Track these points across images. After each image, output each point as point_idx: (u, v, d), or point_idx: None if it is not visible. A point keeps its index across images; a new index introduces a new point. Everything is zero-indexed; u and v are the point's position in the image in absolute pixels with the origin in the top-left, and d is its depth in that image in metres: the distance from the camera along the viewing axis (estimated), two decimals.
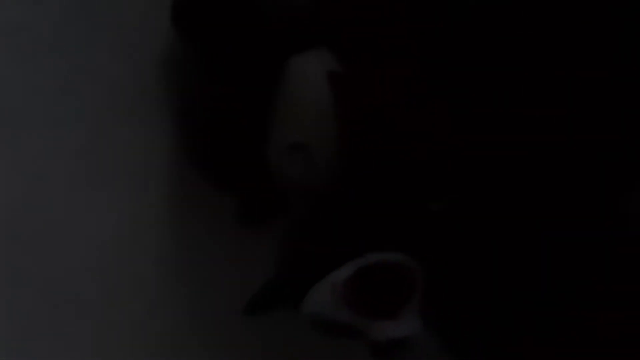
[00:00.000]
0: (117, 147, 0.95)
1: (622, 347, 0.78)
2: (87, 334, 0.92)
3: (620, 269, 0.80)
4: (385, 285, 0.80)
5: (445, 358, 0.86)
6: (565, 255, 0.81)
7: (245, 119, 0.88)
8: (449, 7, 0.83)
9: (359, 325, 0.80)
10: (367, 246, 0.80)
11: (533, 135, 0.81)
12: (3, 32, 0.93)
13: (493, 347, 0.83)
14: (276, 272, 0.87)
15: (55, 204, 0.95)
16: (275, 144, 0.87)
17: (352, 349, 0.87)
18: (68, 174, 0.95)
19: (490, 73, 0.83)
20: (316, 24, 0.89)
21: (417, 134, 0.84)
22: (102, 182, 0.95)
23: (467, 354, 0.86)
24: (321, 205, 0.85)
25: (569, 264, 0.80)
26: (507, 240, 0.82)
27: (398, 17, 0.85)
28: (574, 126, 0.82)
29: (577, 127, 0.82)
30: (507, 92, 0.83)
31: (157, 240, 0.95)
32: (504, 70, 0.83)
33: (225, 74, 0.88)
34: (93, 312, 0.92)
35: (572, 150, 0.81)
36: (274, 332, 0.90)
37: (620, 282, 0.80)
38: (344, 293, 0.79)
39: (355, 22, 0.88)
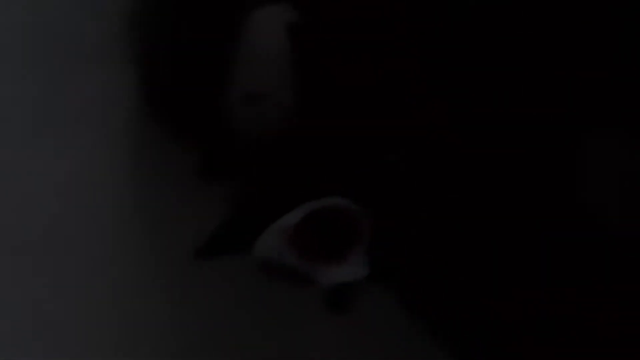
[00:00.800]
0: (77, 95, 0.96)
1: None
2: (43, 279, 0.92)
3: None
4: (332, 230, 0.81)
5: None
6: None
7: (207, 69, 0.89)
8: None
9: (307, 270, 0.82)
10: (317, 192, 0.81)
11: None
12: None
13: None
14: (228, 217, 0.88)
15: (13, 148, 0.95)
16: (233, 94, 0.89)
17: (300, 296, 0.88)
18: (27, 120, 0.96)
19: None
20: None
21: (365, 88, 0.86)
22: (61, 129, 0.96)
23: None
24: (273, 152, 0.86)
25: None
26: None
27: None
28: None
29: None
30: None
31: (115, 187, 0.96)
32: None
33: (189, 23, 0.89)
34: (49, 257, 0.92)
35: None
36: (226, 276, 0.91)
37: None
38: (293, 237, 0.80)
39: None
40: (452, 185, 0.85)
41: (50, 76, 0.94)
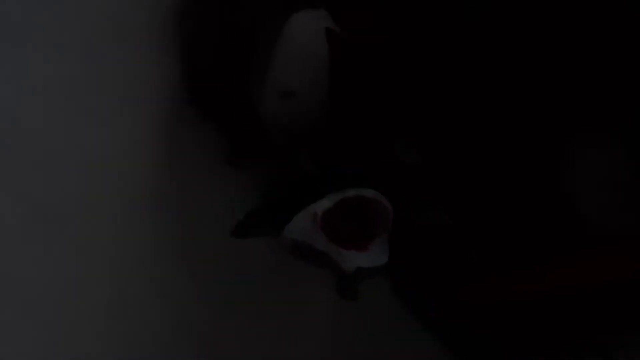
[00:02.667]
0: (119, 76, 1.01)
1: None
2: (75, 250, 0.97)
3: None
4: (359, 218, 0.89)
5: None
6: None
7: (245, 63, 0.96)
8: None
9: (332, 254, 0.89)
10: (346, 182, 0.90)
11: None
12: None
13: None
14: (263, 201, 0.95)
15: (49, 123, 0.98)
16: (269, 89, 0.96)
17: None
18: (64, 96, 0.99)
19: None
20: None
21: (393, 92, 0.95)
22: (97, 107, 1.00)
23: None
24: (307, 145, 0.94)
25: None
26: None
27: None
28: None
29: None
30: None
31: (150, 166, 1.01)
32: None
33: (233, 20, 0.97)
34: (82, 229, 0.97)
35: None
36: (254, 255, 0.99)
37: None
38: (323, 222, 0.88)
39: None
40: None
41: (96, 57, 0.98)
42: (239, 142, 1.02)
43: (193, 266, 0.99)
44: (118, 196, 1.00)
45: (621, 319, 0.92)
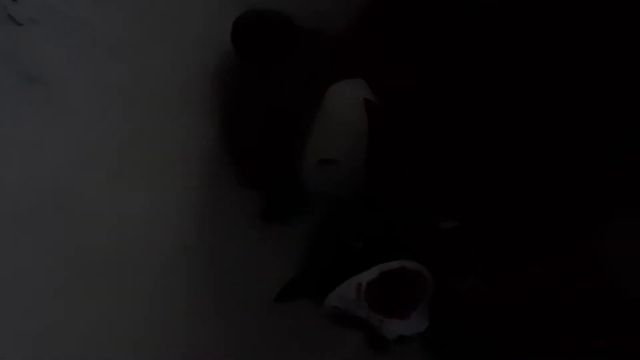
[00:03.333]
0: (157, 141, 1.04)
1: None
2: (118, 303, 1.00)
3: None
4: (402, 288, 0.92)
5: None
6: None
7: (287, 131, 0.99)
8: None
9: (374, 322, 0.92)
10: (389, 253, 0.92)
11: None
12: (78, 29, 1.00)
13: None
14: (305, 269, 0.98)
15: (94, 185, 1.02)
16: (309, 157, 0.99)
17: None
18: (109, 160, 1.03)
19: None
20: (351, 59, 1.01)
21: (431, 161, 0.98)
22: (139, 169, 1.03)
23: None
24: (349, 214, 0.97)
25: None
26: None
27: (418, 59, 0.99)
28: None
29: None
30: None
31: (186, 227, 1.05)
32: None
33: (274, 90, 1.00)
34: (122, 284, 1.01)
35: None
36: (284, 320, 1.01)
37: None
38: (367, 292, 0.90)
39: (383, 63, 1.01)
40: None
41: (138, 121, 1.01)
42: (274, 201, 1.04)
43: (227, 321, 1.01)
44: (157, 253, 1.03)
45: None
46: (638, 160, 0.95)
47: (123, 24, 1.00)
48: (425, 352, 1.02)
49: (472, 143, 0.97)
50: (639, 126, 0.94)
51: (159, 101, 1.02)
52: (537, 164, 0.97)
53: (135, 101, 1.01)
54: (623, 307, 0.91)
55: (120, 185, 1.02)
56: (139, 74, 1.01)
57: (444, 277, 0.94)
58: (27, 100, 0.96)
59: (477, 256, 0.96)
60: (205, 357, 1.02)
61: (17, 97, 0.96)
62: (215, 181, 1.06)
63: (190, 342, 1.03)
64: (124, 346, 1.00)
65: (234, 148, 1.03)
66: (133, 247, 1.02)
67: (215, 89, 1.03)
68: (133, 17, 1.00)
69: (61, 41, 0.97)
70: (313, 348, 1.06)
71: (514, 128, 0.97)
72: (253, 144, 1.00)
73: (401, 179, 0.96)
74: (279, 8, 1.01)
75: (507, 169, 0.97)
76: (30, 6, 0.98)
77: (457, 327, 0.96)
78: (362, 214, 0.94)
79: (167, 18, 1.01)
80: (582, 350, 0.93)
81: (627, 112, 0.94)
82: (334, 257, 0.94)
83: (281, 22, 0.99)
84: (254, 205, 1.06)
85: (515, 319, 0.96)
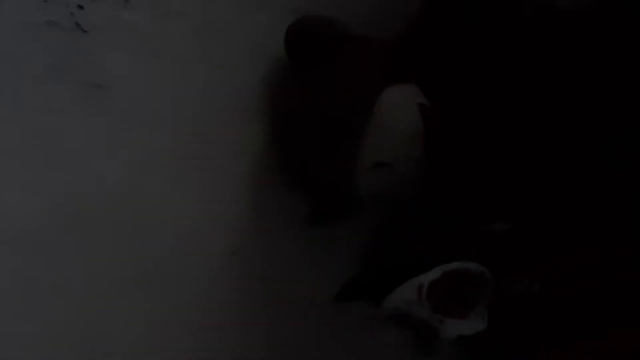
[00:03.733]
0: (210, 149, 1.05)
1: None
2: (165, 309, 1.00)
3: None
4: (462, 289, 0.94)
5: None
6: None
7: (339, 137, 1.00)
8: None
9: (433, 322, 0.94)
10: (445, 255, 0.94)
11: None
12: (139, 38, 1.01)
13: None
14: (366, 269, 0.99)
15: (149, 191, 1.03)
16: (364, 162, 1.01)
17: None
18: (165, 167, 1.03)
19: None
20: (404, 63, 1.03)
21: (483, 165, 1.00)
22: (192, 177, 1.04)
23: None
24: (412, 217, 0.99)
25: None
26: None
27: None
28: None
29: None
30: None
31: (235, 233, 1.05)
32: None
33: (325, 95, 1.01)
34: (172, 290, 1.01)
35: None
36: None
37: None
38: (429, 292, 0.92)
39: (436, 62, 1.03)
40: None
41: (194, 129, 1.02)
42: (323, 204, 1.06)
43: (274, 325, 1.02)
44: (208, 259, 1.04)
45: None
46: None
47: (187, 36, 1.01)
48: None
49: (522, 146, 0.99)
50: None
51: (215, 109, 1.03)
52: (583, 164, 0.99)
53: (194, 110, 1.02)
54: None
55: (177, 193, 1.03)
56: (199, 83, 1.02)
57: (497, 280, 0.96)
58: (92, 107, 0.97)
59: (530, 259, 0.98)
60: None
61: (82, 104, 0.97)
62: (263, 187, 1.07)
63: (239, 346, 1.03)
64: (176, 351, 1.00)
65: (287, 154, 1.04)
66: (186, 255, 1.02)
67: (269, 96, 1.04)
68: (196, 29, 1.02)
69: (126, 50, 0.98)
70: (354, 349, 1.06)
71: (563, 130, 0.99)
72: (306, 150, 1.01)
73: (458, 182, 0.98)
74: (330, 14, 1.02)
75: (556, 170, 0.99)
76: (96, 14, 0.98)
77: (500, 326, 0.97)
78: (426, 217, 0.96)
79: (229, 29, 1.02)
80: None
81: None
82: (396, 259, 0.95)
83: (331, 27, 1.01)
84: (301, 210, 1.07)
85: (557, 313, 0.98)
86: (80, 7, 0.97)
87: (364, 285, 0.97)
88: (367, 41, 1.04)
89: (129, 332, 0.98)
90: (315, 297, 1.04)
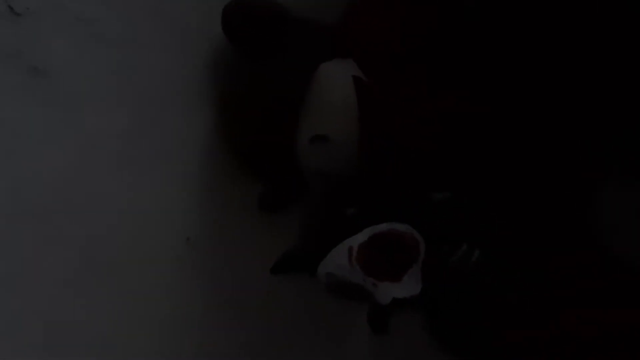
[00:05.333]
0: (158, 132, 1.08)
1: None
2: (120, 294, 1.03)
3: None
4: (392, 251, 0.93)
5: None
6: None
7: (281, 113, 1.02)
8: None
9: (368, 286, 0.93)
10: (379, 219, 0.94)
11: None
12: (79, 22, 1.06)
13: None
14: (299, 241, 1.00)
15: (98, 177, 1.07)
16: (302, 136, 1.02)
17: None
18: (114, 152, 1.07)
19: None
20: (342, 37, 1.05)
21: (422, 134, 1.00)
22: (142, 161, 1.08)
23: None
24: (340, 186, 0.99)
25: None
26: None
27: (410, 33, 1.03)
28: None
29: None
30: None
31: (188, 220, 1.08)
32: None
33: (267, 76, 1.04)
34: (120, 272, 1.04)
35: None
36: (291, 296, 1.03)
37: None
38: (359, 255, 0.92)
39: (374, 38, 1.05)
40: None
41: (139, 114, 1.05)
42: (274, 187, 1.07)
43: (230, 307, 1.03)
44: (160, 245, 1.07)
45: None
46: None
47: (121, 18, 1.05)
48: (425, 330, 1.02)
49: (462, 118, 1.00)
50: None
51: (158, 93, 1.06)
52: (530, 137, 0.99)
53: (135, 93, 1.05)
54: None
55: (123, 178, 1.06)
56: (138, 66, 1.05)
57: (437, 246, 0.95)
58: (31, 92, 1.01)
59: (469, 226, 0.97)
60: (212, 345, 1.03)
61: (21, 89, 1.01)
62: (214, 172, 1.09)
63: (196, 331, 1.04)
64: (132, 336, 1.02)
65: (232, 135, 1.06)
66: (137, 240, 1.06)
67: (211, 78, 1.07)
68: (132, 13, 1.06)
69: (62, 34, 1.03)
70: (318, 334, 1.06)
71: (503, 103, 1.00)
72: (250, 130, 1.03)
73: (394, 152, 0.98)
74: None
75: (499, 141, 0.99)
76: None
77: (451, 294, 0.96)
78: (354, 182, 0.97)
79: (164, 11, 1.06)
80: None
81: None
82: (326, 225, 0.96)
83: (271, 9, 1.04)
84: (254, 196, 1.09)
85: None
86: None
87: (298, 254, 0.97)
88: (308, 23, 1.07)
89: (85, 317, 1.01)
90: (274, 283, 1.04)
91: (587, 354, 0.93)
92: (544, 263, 0.96)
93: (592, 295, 0.94)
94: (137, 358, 1.01)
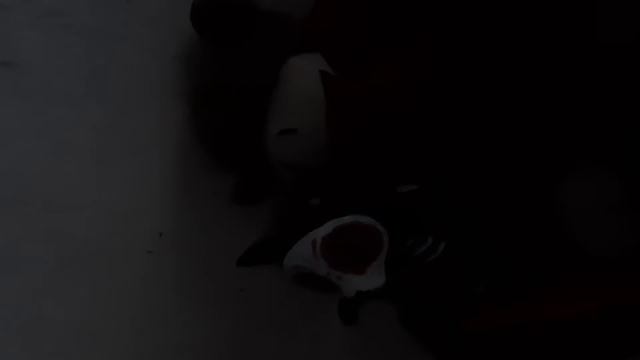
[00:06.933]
0: (130, 126, 1.09)
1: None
2: (98, 289, 1.03)
3: None
4: (357, 243, 0.94)
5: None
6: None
7: (250, 107, 1.03)
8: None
9: (333, 278, 0.94)
10: (344, 210, 0.95)
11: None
12: (49, 14, 1.06)
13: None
14: (266, 232, 1.01)
15: (71, 172, 1.07)
16: (271, 128, 1.03)
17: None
18: (86, 146, 1.08)
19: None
20: (310, 32, 1.06)
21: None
22: (115, 155, 1.08)
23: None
24: (307, 177, 1.00)
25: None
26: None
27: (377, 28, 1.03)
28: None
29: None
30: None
31: (161, 214, 1.08)
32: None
33: (235, 69, 1.04)
34: (94, 268, 1.04)
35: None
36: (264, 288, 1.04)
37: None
38: (322, 248, 0.92)
39: (341, 32, 1.06)
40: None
41: (111, 107, 1.06)
42: (246, 180, 1.08)
43: (203, 302, 1.04)
44: (135, 241, 1.07)
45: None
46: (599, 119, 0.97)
47: (92, 11, 1.06)
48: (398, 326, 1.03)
49: (430, 109, 1.00)
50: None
51: (130, 86, 1.07)
52: (497, 127, 1.00)
53: (107, 87, 1.06)
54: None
55: (96, 172, 1.07)
56: (110, 60, 1.06)
57: (402, 239, 0.96)
58: (1, 85, 1.02)
59: (435, 218, 0.98)
60: (187, 340, 1.04)
61: None
62: (187, 166, 1.09)
63: (170, 326, 1.04)
64: (106, 331, 1.02)
65: (204, 128, 1.07)
66: (111, 235, 1.05)
67: (182, 72, 1.08)
68: (102, 5, 1.06)
69: (31, 26, 1.03)
70: (294, 327, 1.07)
71: (471, 93, 1.00)
72: (220, 122, 1.04)
73: (360, 145, 0.99)
74: None
75: (464, 130, 1.00)
76: None
77: (416, 286, 0.97)
78: (320, 174, 0.97)
79: (135, 4, 1.06)
80: None
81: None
82: (292, 216, 0.97)
83: (239, 3, 1.05)
84: (227, 189, 1.09)
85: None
86: None
87: (266, 246, 0.98)
88: (276, 16, 1.07)
89: (60, 313, 1.01)
90: (248, 276, 1.05)
91: (557, 340, 0.93)
92: (512, 252, 0.96)
93: (561, 280, 0.95)
94: (112, 353, 1.00)
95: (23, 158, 1.01)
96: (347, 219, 0.93)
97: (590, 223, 0.98)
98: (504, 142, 1.00)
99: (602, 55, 0.99)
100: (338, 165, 0.99)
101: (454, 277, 0.97)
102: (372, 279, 0.93)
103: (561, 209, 0.98)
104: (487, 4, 0.99)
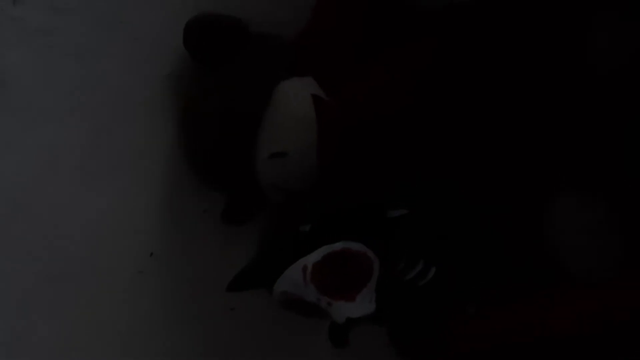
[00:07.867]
0: (118, 145, 1.08)
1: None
2: (82, 308, 1.03)
3: None
4: (347, 270, 0.94)
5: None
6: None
7: (240, 130, 1.02)
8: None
9: (323, 305, 0.94)
10: (334, 236, 0.95)
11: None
12: (37, 34, 1.06)
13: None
14: (256, 256, 1.00)
15: (59, 189, 1.06)
16: (261, 152, 1.03)
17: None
18: (74, 163, 1.07)
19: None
20: (301, 56, 1.06)
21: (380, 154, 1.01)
22: (102, 175, 1.07)
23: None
24: (297, 202, 1.00)
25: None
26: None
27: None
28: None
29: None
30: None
31: (151, 234, 1.08)
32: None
33: (226, 91, 1.04)
34: (81, 286, 1.04)
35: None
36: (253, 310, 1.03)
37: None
38: (313, 274, 0.92)
39: (331, 58, 1.05)
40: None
41: (99, 125, 1.05)
42: (235, 201, 1.07)
43: (193, 322, 1.03)
44: (123, 260, 1.06)
45: None
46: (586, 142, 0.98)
47: (81, 29, 1.05)
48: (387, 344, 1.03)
49: (422, 132, 1.01)
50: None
51: (119, 104, 1.06)
52: (484, 150, 1.00)
53: (96, 104, 1.05)
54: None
55: (83, 190, 1.06)
56: (98, 77, 1.05)
57: (393, 263, 0.96)
58: None
59: (426, 243, 0.98)
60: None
61: None
62: (177, 186, 1.09)
63: (158, 346, 1.04)
64: (95, 351, 1.02)
65: (192, 150, 1.06)
66: (100, 254, 1.05)
67: (171, 92, 1.07)
68: (90, 23, 1.05)
69: (18, 45, 1.02)
70: (281, 348, 1.07)
71: (463, 116, 1.00)
72: (209, 145, 1.04)
73: (351, 170, 0.99)
74: (230, 12, 1.05)
75: (455, 155, 1.00)
76: None
77: (407, 309, 0.97)
78: (310, 200, 0.97)
79: (125, 22, 1.06)
80: None
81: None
82: (282, 242, 0.96)
83: (231, 25, 1.04)
84: (218, 209, 1.08)
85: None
86: None
87: (255, 271, 0.97)
88: (267, 38, 1.07)
89: (45, 330, 1.00)
90: (237, 298, 1.04)
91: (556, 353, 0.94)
92: (503, 276, 0.96)
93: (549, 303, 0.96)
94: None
95: (9, 174, 1.00)
96: (338, 246, 0.93)
97: (578, 251, 0.98)
98: (492, 159, 1.00)
99: (590, 78, 0.99)
100: (328, 188, 0.98)
101: (444, 300, 0.97)
102: (362, 305, 0.93)
103: (546, 230, 0.98)
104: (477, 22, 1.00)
